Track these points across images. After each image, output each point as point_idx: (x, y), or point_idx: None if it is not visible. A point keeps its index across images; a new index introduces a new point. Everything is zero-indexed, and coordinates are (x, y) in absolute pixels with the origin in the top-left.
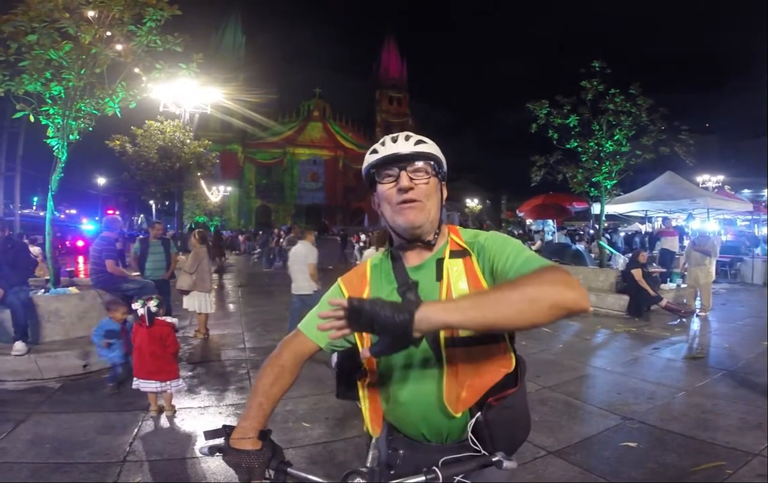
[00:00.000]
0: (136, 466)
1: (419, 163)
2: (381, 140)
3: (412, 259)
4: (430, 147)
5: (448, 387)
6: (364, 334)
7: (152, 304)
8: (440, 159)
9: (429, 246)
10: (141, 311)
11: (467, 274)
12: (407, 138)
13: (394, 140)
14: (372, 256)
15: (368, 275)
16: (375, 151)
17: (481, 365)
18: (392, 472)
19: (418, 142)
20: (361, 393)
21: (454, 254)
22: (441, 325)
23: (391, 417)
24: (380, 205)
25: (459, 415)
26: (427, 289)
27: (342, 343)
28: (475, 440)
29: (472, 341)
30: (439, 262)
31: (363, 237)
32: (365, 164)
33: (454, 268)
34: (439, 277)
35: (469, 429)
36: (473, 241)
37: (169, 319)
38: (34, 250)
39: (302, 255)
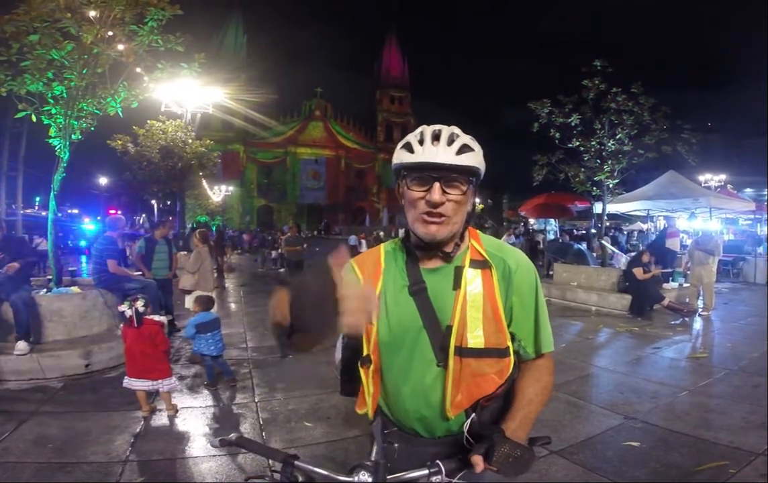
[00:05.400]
0: (139, 466)
1: (457, 174)
2: (418, 133)
3: (429, 259)
4: (473, 158)
5: (450, 392)
6: (373, 329)
7: (139, 305)
8: (481, 171)
9: (447, 254)
10: (129, 313)
11: (485, 287)
12: (450, 141)
13: (435, 138)
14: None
15: (382, 262)
16: (410, 149)
17: (486, 376)
18: (389, 464)
19: (461, 149)
20: (364, 379)
21: (474, 264)
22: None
23: (387, 408)
24: (404, 204)
25: (454, 416)
26: (441, 295)
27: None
28: (470, 439)
29: (482, 354)
30: (458, 271)
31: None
32: (397, 160)
33: (473, 278)
34: (457, 285)
35: (465, 429)
36: (497, 255)
37: (157, 317)
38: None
39: None
